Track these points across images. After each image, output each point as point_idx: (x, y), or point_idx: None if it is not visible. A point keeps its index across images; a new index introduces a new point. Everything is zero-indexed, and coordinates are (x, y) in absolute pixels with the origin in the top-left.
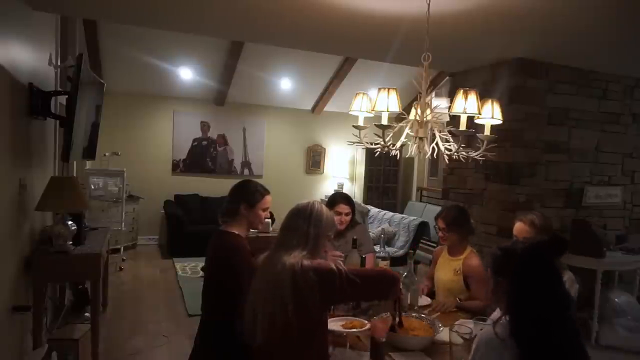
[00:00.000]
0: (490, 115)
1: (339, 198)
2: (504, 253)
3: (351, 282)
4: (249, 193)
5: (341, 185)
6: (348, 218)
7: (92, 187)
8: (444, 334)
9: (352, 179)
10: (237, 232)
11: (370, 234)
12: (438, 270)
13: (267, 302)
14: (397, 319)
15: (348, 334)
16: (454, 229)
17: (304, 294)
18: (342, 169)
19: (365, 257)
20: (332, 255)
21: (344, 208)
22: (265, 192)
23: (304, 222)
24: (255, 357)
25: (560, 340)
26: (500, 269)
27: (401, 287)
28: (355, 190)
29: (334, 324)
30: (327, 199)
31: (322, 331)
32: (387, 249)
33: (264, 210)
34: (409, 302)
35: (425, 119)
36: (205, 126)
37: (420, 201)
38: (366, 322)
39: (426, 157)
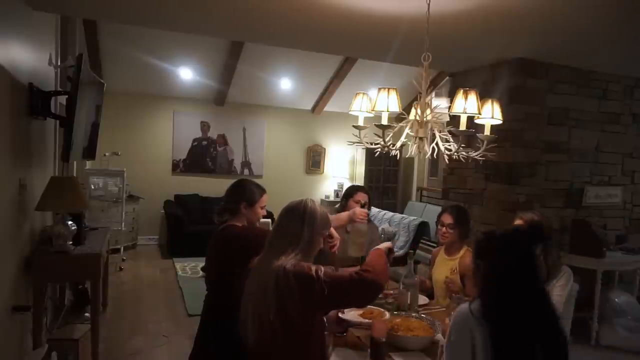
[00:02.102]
0: (490, 115)
1: (357, 187)
2: (485, 237)
3: (322, 290)
4: (248, 192)
5: (341, 185)
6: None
7: (92, 187)
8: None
9: (352, 179)
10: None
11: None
12: (435, 270)
13: (257, 303)
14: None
15: (348, 335)
16: (458, 226)
17: (284, 298)
18: (342, 169)
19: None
20: (360, 214)
21: (363, 197)
22: (262, 190)
23: (296, 222)
24: (251, 357)
25: (529, 325)
26: (480, 252)
27: (401, 287)
28: None
29: (353, 313)
30: (326, 197)
31: (314, 334)
32: None
33: (262, 208)
34: (409, 302)
35: (425, 119)
36: (205, 126)
37: (420, 201)
38: (386, 312)
39: (426, 157)
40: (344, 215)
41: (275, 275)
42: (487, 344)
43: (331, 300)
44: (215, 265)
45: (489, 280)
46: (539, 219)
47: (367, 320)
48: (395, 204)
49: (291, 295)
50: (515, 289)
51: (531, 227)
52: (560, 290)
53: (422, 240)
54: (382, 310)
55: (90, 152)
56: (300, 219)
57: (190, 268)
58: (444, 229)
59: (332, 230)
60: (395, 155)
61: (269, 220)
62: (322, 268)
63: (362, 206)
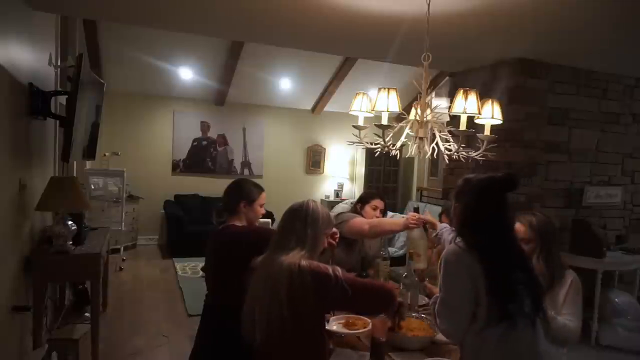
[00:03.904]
0: (490, 115)
1: (374, 193)
2: (463, 182)
3: (344, 290)
4: (246, 190)
5: (341, 186)
6: (381, 215)
7: (92, 187)
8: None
9: (352, 179)
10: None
11: None
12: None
13: (264, 301)
14: (397, 323)
15: (348, 335)
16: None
17: (298, 295)
18: (342, 169)
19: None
20: (412, 219)
21: (380, 203)
22: (261, 189)
23: (300, 224)
24: (255, 356)
25: (503, 256)
26: (457, 195)
27: (401, 288)
28: (355, 190)
29: (335, 323)
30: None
31: (320, 332)
32: (387, 248)
33: (261, 206)
34: (409, 302)
35: (425, 119)
36: (205, 126)
37: (420, 201)
38: (369, 320)
39: (426, 157)
40: (400, 221)
41: (288, 271)
42: (479, 270)
43: (353, 301)
44: (215, 265)
45: (463, 221)
46: (537, 222)
47: (348, 332)
48: (395, 204)
49: (306, 293)
50: (485, 230)
51: (505, 175)
52: (572, 307)
53: None
54: (366, 319)
55: (90, 152)
56: (303, 220)
57: (190, 268)
58: None
59: None
60: (395, 155)
61: (269, 220)
62: (339, 269)
63: (415, 210)
